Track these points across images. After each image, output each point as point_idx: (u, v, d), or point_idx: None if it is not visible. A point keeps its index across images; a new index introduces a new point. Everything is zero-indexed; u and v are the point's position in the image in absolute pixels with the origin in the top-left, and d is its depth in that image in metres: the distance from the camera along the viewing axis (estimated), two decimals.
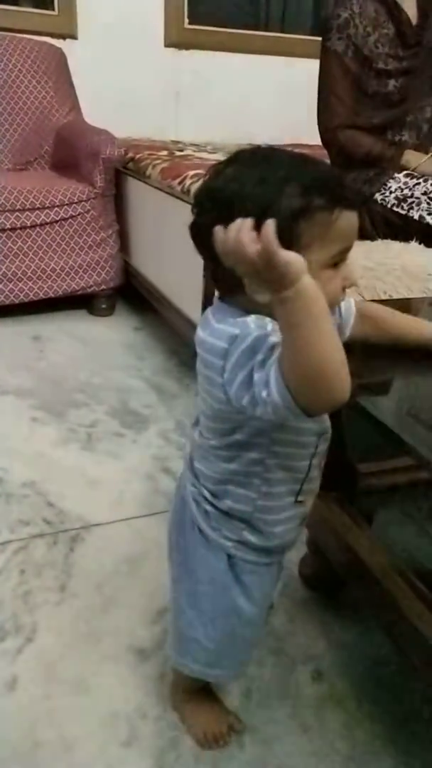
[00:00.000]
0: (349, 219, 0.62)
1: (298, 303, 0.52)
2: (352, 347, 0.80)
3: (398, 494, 1.17)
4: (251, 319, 0.61)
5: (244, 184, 0.61)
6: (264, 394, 0.57)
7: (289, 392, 0.55)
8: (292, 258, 0.51)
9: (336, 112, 1.74)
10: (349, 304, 0.79)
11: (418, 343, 0.83)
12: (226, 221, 0.60)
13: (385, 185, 1.72)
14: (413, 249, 1.58)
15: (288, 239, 0.59)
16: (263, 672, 1.02)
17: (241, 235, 0.52)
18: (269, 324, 0.61)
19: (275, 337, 0.59)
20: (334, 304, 0.67)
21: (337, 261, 0.63)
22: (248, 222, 0.52)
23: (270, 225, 0.50)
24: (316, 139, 2.01)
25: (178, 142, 2.84)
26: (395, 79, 1.70)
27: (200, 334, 0.66)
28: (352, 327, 0.79)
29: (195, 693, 0.93)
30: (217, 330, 0.63)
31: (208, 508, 0.76)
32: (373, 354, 0.84)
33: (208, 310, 0.68)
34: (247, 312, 0.64)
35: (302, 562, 1.18)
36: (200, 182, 0.67)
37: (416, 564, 1.00)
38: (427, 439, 0.75)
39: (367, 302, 0.81)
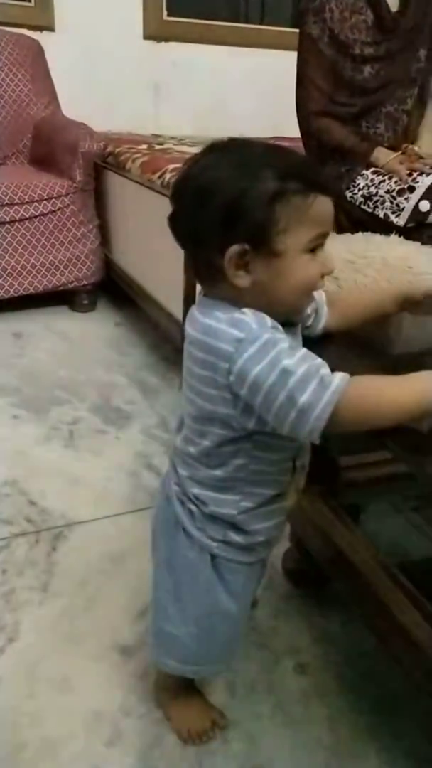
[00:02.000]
0: (324, 204, 0.63)
1: None
2: (328, 339, 0.80)
3: (381, 486, 1.17)
4: (250, 318, 0.61)
5: (221, 171, 0.61)
6: (303, 398, 0.58)
7: (330, 419, 0.58)
8: None
9: (312, 98, 1.73)
10: (321, 294, 0.79)
11: (380, 311, 0.83)
12: (204, 208, 0.61)
13: (354, 182, 1.71)
14: (394, 241, 1.57)
15: (266, 221, 0.60)
16: (247, 666, 1.01)
17: None
18: (268, 320, 0.62)
19: (285, 343, 0.60)
20: (311, 290, 0.67)
21: (315, 246, 0.64)
22: None
23: None
24: (296, 132, 1.99)
25: (158, 136, 2.81)
26: (371, 65, 1.69)
27: (191, 332, 0.66)
28: (326, 317, 0.79)
29: (178, 690, 0.93)
30: (215, 330, 0.62)
31: (193, 508, 0.75)
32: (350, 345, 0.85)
33: (194, 308, 0.68)
34: (232, 303, 0.64)
35: (285, 556, 1.18)
36: (177, 174, 0.67)
37: (399, 556, 1.00)
38: (404, 432, 0.75)
39: (325, 292, 0.81)
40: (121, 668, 1.01)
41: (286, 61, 1.95)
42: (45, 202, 2.26)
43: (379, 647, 0.92)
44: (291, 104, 1.86)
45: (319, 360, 0.61)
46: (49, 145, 2.45)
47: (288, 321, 0.67)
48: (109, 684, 0.98)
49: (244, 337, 0.60)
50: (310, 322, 0.79)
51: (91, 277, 2.44)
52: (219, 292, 0.65)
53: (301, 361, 0.59)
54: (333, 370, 0.60)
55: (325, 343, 0.80)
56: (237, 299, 0.64)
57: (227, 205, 0.60)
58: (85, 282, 2.43)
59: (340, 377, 0.59)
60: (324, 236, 0.64)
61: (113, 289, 2.50)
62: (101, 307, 2.54)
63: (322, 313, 0.79)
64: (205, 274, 0.66)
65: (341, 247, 1.48)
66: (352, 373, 0.60)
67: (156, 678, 0.95)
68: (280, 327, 0.63)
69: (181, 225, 0.66)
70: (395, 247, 1.52)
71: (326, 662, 1.03)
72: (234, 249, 0.61)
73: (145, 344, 2.21)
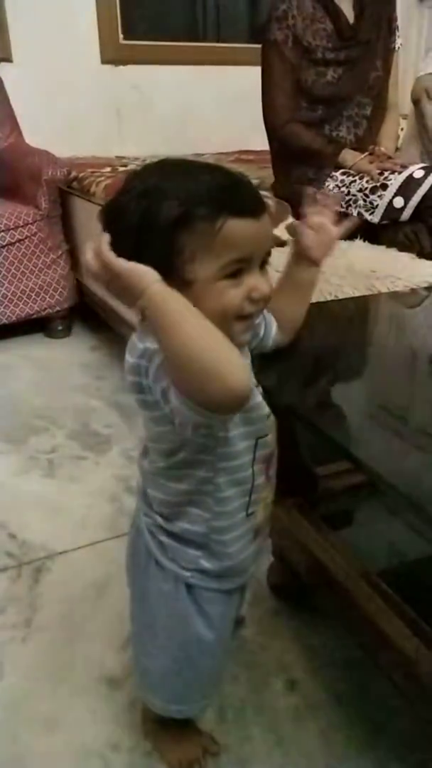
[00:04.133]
0: (240, 227, 0.59)
1: (153, 310, 0.55)
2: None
3: (360, 494, 1.17)
4: None
5: (130, 196, 0.60)
6: (167, 408, 0.58)
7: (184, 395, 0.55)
8: (132, 267, 0.55)
9: (278, 104, 1.78)
10: (270, 319, 0.77)
11: (294, 283, 0.80)
12: (113, 234, 0.59)
13: (324, 185, 1.74)
14: (357, 246, 1.59)
15: (169, 250, 0.58)
16: (237, 687, 1.00)
17: (86, 254, 0.57)
18: None
19: None
20: (233, 317, 0.62)
21: (234, 271, 0.60)
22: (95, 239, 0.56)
23: (104, 237, 0.56)
24: (260, 146, 2.01)
25: (122, 158, 2.82)
26: (333, 69, 1.76)
27: (128, 359, 0.65)
28: (275, 332, 0.78)
29: (166, 719, 0.90)
30: (137, 349, 0.62)
31: (163, 538, 0.74)
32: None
33: (134, 335, 0.67)
34: None
35: (270, 571, 1.17)
36: None
37: (379, 565, 0.99)
38: (369, 445, 0.74)
39: None
40: (108, 700, 0.99)
41: (246, 77, 1.97)
42: (12, 231, 2.26)
43: (366, 655, 0.91)
44: (255, 118, 1.88)
45: None
46: (13, 174, 2.45)
47: None
48: (96, 718, 0.96)
49: (148, 347, 0.60)
50: (255, 343, 0.76)
51: (63, 302, 2.43)
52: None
53: None
54: None
55: None
56: None
57: (130, 234, 0.59)
58: (58, 308, 2.42)
59: None
60: (246, 260, 0.60)
61: (87, 314, 2.49)
62: (76, 332, 2.53)
63: (272, 329, 0.77)
64: None
65: None
66: None
67: (143, 708, 0.93)
68: None
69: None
70: (359, 252, 1.54)
71: (316, 676, 1.02)
72: None
73: (122, 366, 2.17)
